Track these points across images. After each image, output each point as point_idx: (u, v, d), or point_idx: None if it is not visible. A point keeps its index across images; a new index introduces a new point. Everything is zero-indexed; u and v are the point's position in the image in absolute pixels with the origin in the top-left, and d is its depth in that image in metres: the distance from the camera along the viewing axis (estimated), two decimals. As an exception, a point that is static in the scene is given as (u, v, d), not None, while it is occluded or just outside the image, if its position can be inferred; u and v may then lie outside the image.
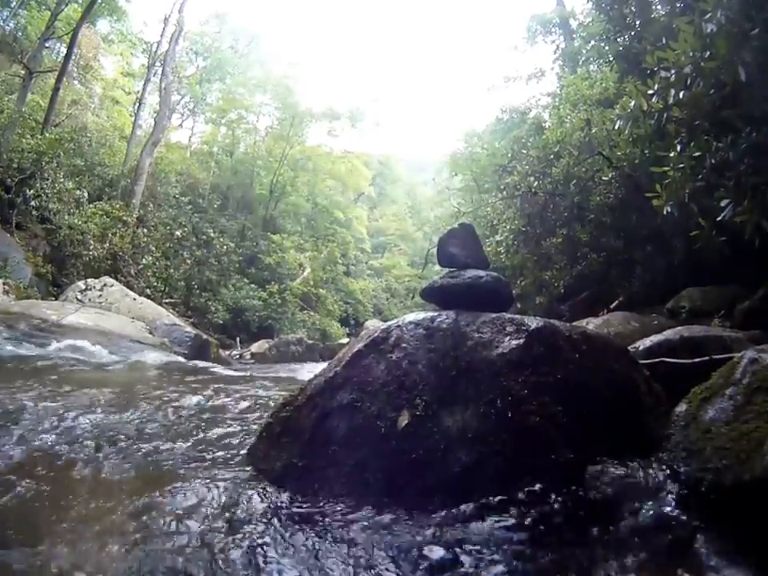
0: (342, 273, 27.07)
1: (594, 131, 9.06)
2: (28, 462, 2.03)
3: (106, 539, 1.48)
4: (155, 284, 13.08)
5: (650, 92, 4.34)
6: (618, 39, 9.20)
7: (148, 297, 11.07)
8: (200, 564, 1.36)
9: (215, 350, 9.29)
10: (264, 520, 1.60)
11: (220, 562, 1.38)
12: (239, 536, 1.50)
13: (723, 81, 3.77)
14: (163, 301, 12.44)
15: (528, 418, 1.70)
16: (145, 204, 15.75)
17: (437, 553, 1.41)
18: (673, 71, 4.00)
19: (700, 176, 4.08)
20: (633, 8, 8.66)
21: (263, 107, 26.97)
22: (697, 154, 4.06)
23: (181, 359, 6.98)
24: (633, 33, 8.65)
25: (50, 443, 2.27)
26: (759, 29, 3.43)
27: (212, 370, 6.61)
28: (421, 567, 1.36)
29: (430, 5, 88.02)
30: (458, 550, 1.41)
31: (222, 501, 1.73)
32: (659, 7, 8.70)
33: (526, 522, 1.48)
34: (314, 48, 62.29)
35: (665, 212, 4.43)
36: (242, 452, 2.19)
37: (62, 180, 11.46)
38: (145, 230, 14.28)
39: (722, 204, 3.82)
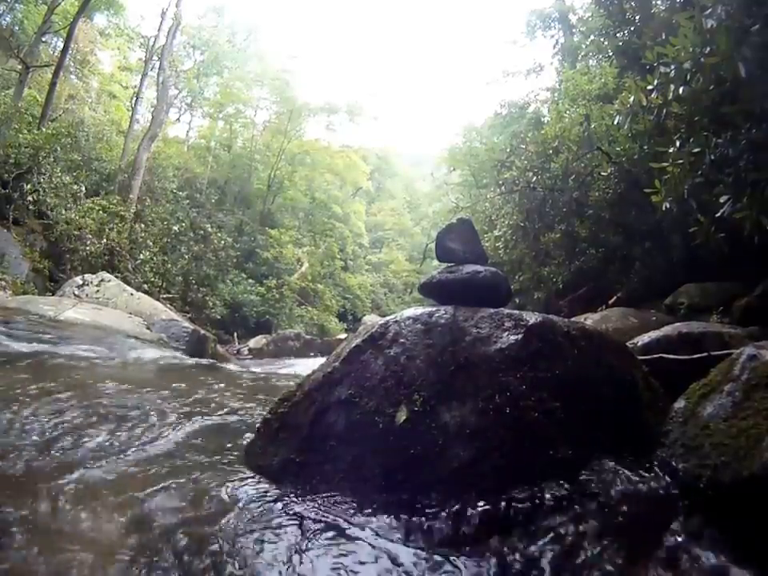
0: (340, 268, 27.07)
1: (593, 126, 9.06)
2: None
3: (98, 533, 1.47)
4: (152, 279, 13.05)
5: (650, 87, 4.34)
6: (618, 34, 9.19)
7: (145, 292, 11.04)
8: (195, 560, 1.36)
9: (213, 345, 9.27)
10: (261, 516, 1.60)
11: (215, 557, 1.37)
12: (235, 533, 1.50)
13: (723, 77, 3.77)
14: (161, 296, 12.41)
15: (526, 413, 1.70)
16: (142, 199, 15.70)
17: (435, 549, 1.41)
18: (672, 67, 4.00)
19: (699, 172, 4.08)
20: (632, 3, 8.66)
21: (261, 101, 26.92)
22: (696, 150, 4.06)
23: (179, 355, 6.95)
24: (632, 28, 8.65)
25: (46, 442, 2.26)
26: (759, 25, 3.43)
27: (210, 365, 6.61)
28: (419, 563, 1.36)
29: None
30: (456, 546, 1.41)
31: (219, 497, 1.72)
32: (659, 2, 8.70)
33: (523, 519, 1.48)
34: (312, 41, 62.25)
35: (664, 208, 4.44)
36: (241, 448, 2.18)
37: (59, 175, 11.40)
38: (142, 225, 14.24)
39: (721, 200, 3.83)
